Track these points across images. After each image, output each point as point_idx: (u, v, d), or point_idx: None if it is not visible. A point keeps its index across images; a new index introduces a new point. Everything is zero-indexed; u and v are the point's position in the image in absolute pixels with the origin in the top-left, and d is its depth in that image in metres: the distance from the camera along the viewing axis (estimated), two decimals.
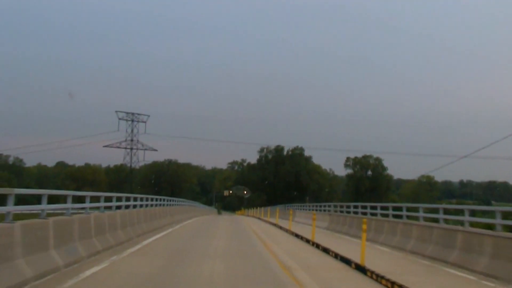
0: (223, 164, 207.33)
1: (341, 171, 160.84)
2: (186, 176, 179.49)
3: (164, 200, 34.93)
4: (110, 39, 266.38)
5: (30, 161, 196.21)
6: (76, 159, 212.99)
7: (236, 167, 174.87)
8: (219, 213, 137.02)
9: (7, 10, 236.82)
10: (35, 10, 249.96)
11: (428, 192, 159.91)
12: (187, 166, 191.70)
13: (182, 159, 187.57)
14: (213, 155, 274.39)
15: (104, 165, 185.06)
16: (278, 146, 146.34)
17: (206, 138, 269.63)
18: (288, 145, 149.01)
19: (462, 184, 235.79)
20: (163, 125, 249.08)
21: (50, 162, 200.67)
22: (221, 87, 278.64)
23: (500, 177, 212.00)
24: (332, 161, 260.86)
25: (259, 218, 59.51)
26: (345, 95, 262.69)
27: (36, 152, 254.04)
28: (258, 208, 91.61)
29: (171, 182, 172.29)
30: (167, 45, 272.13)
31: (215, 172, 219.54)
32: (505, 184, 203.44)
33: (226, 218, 58.55)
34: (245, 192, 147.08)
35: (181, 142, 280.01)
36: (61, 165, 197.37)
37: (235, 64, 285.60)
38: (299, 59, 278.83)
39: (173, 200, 41.22)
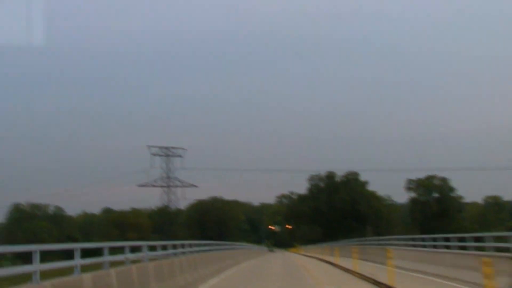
0: (271, 199, 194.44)
1: (398, 197, 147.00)
2: (233, 213, 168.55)
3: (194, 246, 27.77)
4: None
5: (73, 210, 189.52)
6: (120, 204, 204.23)
7: (284, 200, 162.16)
8: (270, 250, 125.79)
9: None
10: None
11: (497, 214, 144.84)
12: (234, 203, 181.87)
13: (226, 196, 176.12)
14: (259, 189, 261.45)
15: (151, 206, 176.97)
16: (329, 172, 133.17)
17: (250, 169, 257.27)
18: (339, 170, 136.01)
19: None
20: (201, 159, 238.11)
21: (95, 209, 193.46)
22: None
23: None
24: (386, 185, 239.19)
25: (328, 262, 41.07)
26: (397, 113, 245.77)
27: (78, 201, 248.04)
28: (316, 244, 79.59)
29: (217, 221, 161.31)
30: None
31: (263, 207, 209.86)
32: None
33: (279, 263, 46.04)
34: (296, 226, 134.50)
35: (224, 178, 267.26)
36: (106, 211, 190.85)
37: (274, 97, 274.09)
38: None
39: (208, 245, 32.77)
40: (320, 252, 57.10)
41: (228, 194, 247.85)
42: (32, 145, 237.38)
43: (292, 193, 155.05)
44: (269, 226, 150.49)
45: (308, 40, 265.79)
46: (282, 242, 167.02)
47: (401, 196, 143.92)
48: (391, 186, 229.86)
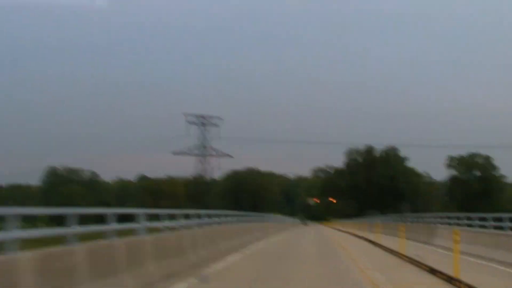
0: (306, 172, 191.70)
1: (437, 174, 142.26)
2: (268, 185, 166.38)
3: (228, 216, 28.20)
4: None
5: (109, 176, 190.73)
6: (156, 172, 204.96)
7: (321, 174, 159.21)
8: (304, 223, 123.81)
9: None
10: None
11: None
12: (270, 175, 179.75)
13: (262, 167, 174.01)
14: (296, 162, 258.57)
15: (186, 174, 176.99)
16: (368, 147, 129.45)
17: (287, 140, 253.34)
18: (379, 144, 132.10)
19: None
20: (237, 130, 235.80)
21: (131, 176, 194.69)
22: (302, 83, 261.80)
23: None
24: (426, 162, 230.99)
25: (366, 240, 35.64)
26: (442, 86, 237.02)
27: (115, 167, 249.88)
28: (351, 219, 77.08)
29: (252, 193, 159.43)
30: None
31: (299, 180, 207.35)
32: None
33: (311, 238, 43.80)
34: (333, 200, 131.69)
35: (260, 149, 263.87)
36: (142, 178, 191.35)
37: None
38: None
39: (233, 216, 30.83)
40: (357, 227, 54.45)
41: (264, 166, 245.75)
42: (72, 110, 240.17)
43: (328, 166, 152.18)
44: (307, 199, 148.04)
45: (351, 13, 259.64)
46: (316, 215, 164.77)
47: (440, 174, 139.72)
48: (431, 163, 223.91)
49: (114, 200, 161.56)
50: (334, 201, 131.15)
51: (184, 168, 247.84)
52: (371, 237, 34.00)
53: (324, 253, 22.77)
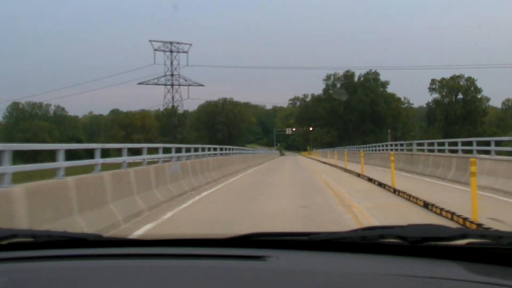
0: (284, 103, 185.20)
1: (421, 99, 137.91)
2: (244, 116, 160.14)
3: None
4: None
5: (80, 111, 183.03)
6: (128, 105, 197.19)
7: (298, 104, 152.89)
8: (281, 154, 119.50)
9: None
10: None
11: None
12: (245, 105, 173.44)
13: (237, 99, 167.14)
14: (272, 92, 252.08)
15: (159, 107, 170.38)
16: (347, 71, 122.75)
17: (261, 66, 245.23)
18: (359, 69, 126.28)
19: None
20: (209, 59, 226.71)
21: (104, 111, 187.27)
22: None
23: None
24: (408, 86, 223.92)
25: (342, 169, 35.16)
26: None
27: (86, 102, 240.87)
28: (333, 148, 72.37)
29: (227, 123, 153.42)
30: None
31: (276, 110, 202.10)
32: None
33: (286, 176, 38.58)
34: (310, 128, 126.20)
35: (235, 79, 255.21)
36: (114, 112, 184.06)
37: None
38: None
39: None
40: (331, 156, 49.58)
41: (240, 97, 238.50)
42: (33, 41, 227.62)
43: (306, 95, 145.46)
44: (285, 129, 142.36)
45: None
46: (294, 145, 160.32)
47: (421, 100, 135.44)
48: (414, 88, 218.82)
49: (84, 134, 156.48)
50: (311, 129, 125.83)
51: (157, 100, 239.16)
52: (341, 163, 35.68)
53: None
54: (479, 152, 20.47)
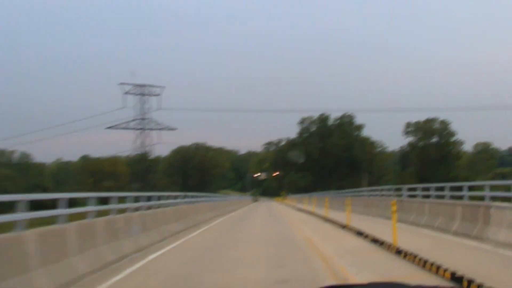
0: (259, 147, 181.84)
1: (393, 143, 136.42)
2: (218, 161, 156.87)
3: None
4: None
5: (49, 158, 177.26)
6: (98, 150, 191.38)
7: (273, 148, 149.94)
8: (255, 200, 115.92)
9: None
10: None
11: (487, 161, 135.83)
12: (219, 150, 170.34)
13: (211, 144, 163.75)
14: (247, 137, 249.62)
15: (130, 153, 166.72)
16: (322, 114, 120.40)
17: (237, 109, 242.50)
18: (334, 111, 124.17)
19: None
20: (181, 100, 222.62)
21: (74, 157, 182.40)
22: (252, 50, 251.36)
23: None
24: (383, 129, 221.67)
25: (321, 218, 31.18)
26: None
27: (55, 147, 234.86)
28: (310, 194, 69.07)
29: (200, 169, 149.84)
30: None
31: (250, 155, 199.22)
32: None
33: (262, 215, 35.45)
34: (285, 173, 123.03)
35: (208, 123, 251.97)
36: (85, 159, 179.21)
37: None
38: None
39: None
40: (305, 202, 46.39)
41: (214, 141, 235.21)
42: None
43: (280, 140, 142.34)
44: (259, 174, 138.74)
45: None
46: (269, 191, 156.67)
47: (396, 143, 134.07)
48: (389, 130, 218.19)
49: (52, 182, 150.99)
50: (286, 174, 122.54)
51: (128, 145, 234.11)
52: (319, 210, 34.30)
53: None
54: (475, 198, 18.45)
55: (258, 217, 35.23)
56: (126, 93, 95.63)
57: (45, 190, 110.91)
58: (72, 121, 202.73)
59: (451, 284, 8.28)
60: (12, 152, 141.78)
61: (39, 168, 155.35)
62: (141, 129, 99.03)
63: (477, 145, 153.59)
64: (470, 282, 7.92)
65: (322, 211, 30.81)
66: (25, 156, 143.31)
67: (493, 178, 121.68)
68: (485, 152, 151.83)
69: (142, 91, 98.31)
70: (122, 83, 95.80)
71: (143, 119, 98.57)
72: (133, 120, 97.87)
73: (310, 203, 44.60)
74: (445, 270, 9.01)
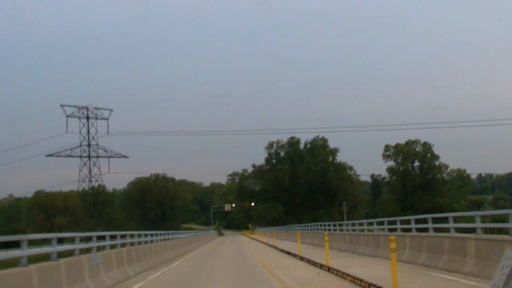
0: (223, 179, 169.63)
1: (369, 169, 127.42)
2: (179, 192, 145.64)
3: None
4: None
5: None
6: (46, 183, 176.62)
7: (237, 178, 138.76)
8: (220, 234, 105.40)
9: None
10: None
11: (461, 187, 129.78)
12: (180, 182, 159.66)
13: (171, 176, 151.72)
14: (210, 169, 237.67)
15: (73, 182, 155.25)
16: (292, 138, 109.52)
17: (197, 131, 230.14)
18: (304, 132, 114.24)
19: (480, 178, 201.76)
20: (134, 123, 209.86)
21: (28, 193, 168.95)
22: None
23: None
24: (358, 153, 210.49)
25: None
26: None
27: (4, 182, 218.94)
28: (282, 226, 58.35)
29: (160, 202, 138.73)
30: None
31: (214, 187, 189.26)
32: None
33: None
34: (252, 204, 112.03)
35: (167, 153, 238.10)
36: (39, 194, 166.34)
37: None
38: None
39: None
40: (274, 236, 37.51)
41: (175, 174, 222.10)
42: None
43: (245, 170, 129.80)
44: (224, 206, 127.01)
45: None
46: (235, 223, 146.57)
47: (370, 169, 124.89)
48: (364, 154, 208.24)
49: (1, 219, 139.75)
50: (253, 204, 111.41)
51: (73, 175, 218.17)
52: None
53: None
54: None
55: (224, 259, 29.05)
56: (69, 116, 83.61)
57: None
58: (6, 150, 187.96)
59: None
60: None
61: None
62: (87, 156, 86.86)
63: (452, 171, 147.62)
64: None
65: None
66: None
67: (467, 206, 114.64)
68: (459, 178, 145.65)
69: (87, 114, 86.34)
70: (63, 105, 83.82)
71: (89, 145, 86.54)
72: (78, 147, 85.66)
73: (282, 237, 44.10)
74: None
